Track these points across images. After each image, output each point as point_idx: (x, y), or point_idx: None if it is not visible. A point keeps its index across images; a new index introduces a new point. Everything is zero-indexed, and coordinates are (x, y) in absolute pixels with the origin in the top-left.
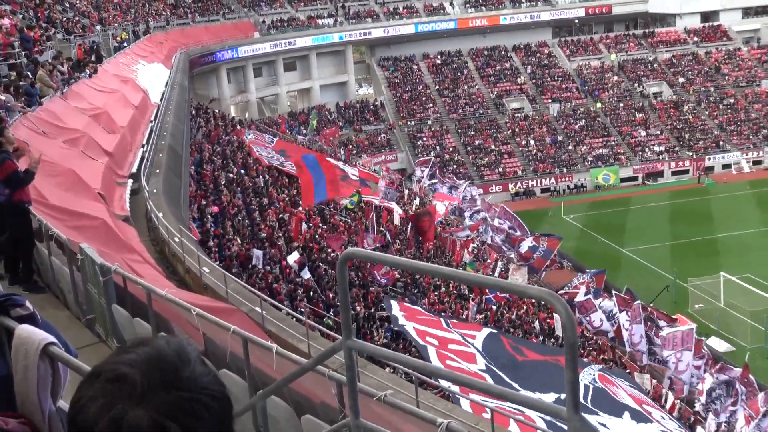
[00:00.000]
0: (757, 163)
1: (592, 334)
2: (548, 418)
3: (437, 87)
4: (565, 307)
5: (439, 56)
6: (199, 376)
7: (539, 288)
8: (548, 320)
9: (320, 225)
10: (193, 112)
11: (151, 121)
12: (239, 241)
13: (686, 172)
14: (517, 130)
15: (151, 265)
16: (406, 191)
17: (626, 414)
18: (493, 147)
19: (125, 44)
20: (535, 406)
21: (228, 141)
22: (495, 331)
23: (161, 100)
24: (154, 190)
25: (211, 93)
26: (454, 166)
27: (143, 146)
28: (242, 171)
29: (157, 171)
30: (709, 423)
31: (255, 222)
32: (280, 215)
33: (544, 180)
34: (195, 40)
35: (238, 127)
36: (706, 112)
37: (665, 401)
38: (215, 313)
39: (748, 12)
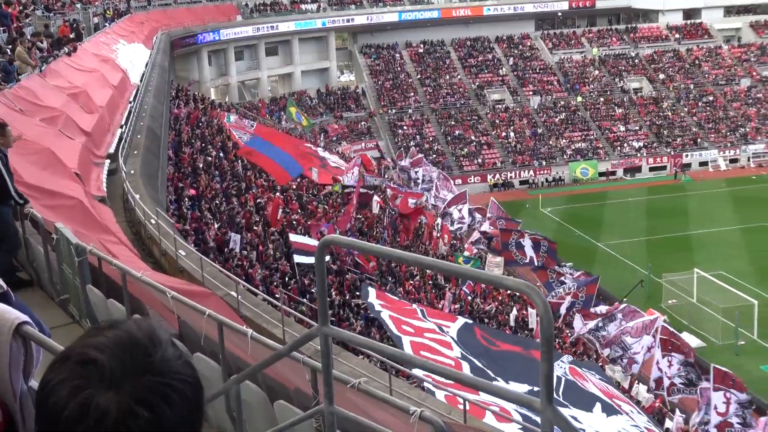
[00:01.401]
0: (733, 161)
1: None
2: (523, 410)
3: (419, 76)
4: (543, 299)
5: (421, 45)
6: (170, 360)
7: (517, 279)
8: (523, 312)
9: (298, 210)
10: (173, 93)
11: (131, 102)
12: (216, 225)
13: (664, 168)
14: (497, 121)
15: (127, 246)
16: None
17: (596, 407)
18: (473, 138)
19: (107, 23)
20: (509, 397)
21: (207, 124)
22: (470, 322)
23: (141, 80)
24: (132, 171)
25: (191, 75)
26: (434, 156)
27: (122, 127)
28: (221, 154)
29: (135, 152)
30: (676, 419)
31: (232, 206)
32: (258, 200)
33: (522, 172)
34: (177, 22)
35: (219, 110)
36: (685, 109)
37: (637, 394)
38: (191, 297)
39: (730, 11)
